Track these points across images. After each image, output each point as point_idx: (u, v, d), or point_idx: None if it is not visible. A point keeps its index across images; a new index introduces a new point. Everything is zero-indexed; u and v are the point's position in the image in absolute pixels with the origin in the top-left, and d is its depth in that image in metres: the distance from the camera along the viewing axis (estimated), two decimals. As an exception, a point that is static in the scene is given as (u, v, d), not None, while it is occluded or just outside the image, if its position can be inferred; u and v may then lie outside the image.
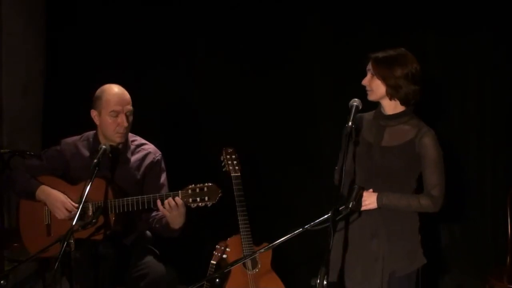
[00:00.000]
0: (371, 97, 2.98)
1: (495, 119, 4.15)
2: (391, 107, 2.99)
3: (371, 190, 2.89)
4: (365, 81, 2.98)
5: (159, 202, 3.10)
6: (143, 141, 3.43)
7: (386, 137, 2.98)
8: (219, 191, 3.07)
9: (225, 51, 4.49)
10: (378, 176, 2.93)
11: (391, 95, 2.95)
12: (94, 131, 3.37)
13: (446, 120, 4.25)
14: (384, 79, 2.93)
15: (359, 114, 3.06)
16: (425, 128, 2.96)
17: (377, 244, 2.93)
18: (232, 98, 4.49)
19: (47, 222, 3.28)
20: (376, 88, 2.95)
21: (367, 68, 3.00)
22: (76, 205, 3.12)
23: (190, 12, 4.53)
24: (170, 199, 3.08)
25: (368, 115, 3.10)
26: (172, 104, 4.58)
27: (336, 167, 3.11)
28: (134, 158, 3.35)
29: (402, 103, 2.98)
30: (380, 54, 2.97)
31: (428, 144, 2.93)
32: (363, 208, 2.87)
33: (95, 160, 3.04)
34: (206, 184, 3.07)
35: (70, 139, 3.40)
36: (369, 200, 2.87)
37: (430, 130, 2.97)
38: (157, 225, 3.29)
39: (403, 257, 2.95)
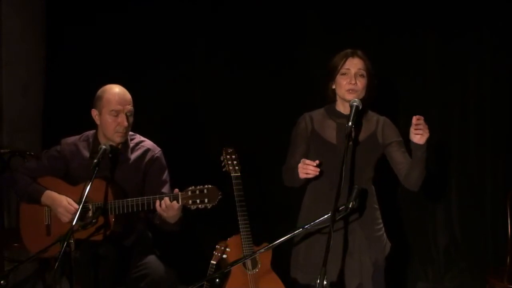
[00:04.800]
0: (353, 97, 2.92)
1: (495, 120, 4.15)
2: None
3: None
4: (355, 83, 2.92)
5: (157, 203, 3.09)
6: (142, 138, 3.42)
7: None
8: (219, 193, 3.06)
9: (225, 51, 4.49)
10: (347, 171, 2.93)
11: (369, 95, 2.96)
12: (94, 131, 3.37)
13: (446, 120, 4.25)
14: (371, 79, 2.94)
15: (308, 113, 3.09)
16: (381, 119, 3.03)
17: (352, 240, 2.96)
18: (232, 98, 4.49)
19: (47, 222, 3.28)
20: (362, 89, 2.95)
21: (349, 67, 2.94)
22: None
23: (190, 12, 4.53)
24: (167, 198, 3.07)
25: (317, 114, 3.10)
26: (172, 104, 4.58)
27: (284, 167, 3.09)
28: (133, 157, 3.34)
29: (367, 102, 2.99)
30: (359, 53, 2.97)
31: (391, 131, 3.00)
32: (421, 135, 2.75)
33: (95, 160, 3.04)
34: (206, 186, 3.06)
35: (70, 139, 3.40)
36: (427, 133, 2.75)
37: (385, 118, 3.04)
38: (157, 221, 3.29)
39: (379, 246, 3.01)
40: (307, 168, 2.83)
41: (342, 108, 3.02)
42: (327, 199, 2.87)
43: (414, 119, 2.74)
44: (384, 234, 3.07)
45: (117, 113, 3.22)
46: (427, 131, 2.75)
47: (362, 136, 3.00)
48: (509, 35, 4.04)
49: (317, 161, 2.85)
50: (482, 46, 4.14)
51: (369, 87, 2.97)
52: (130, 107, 3.26)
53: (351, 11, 4.26)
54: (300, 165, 2.86)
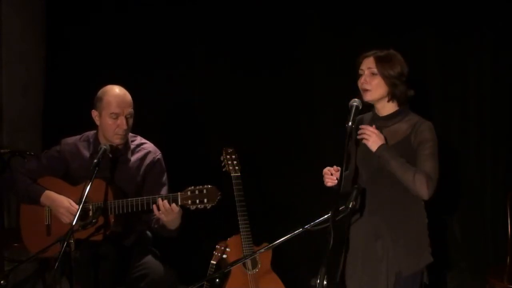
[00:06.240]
0: (369, 97, 2.94)
1: (495, 119, 4.15)
2: (386, 108, 2.99)
3: (375, 133, 2.88)
4: (365, 81, 2.94)
5: (155, 207, 3.09)
6: (143, 140, 3.43)
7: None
8: (219, 193, 3.06)
9: (225, 52, 4.49)
10: (381, 177, 2.93)
11: (391, 95, 2.95)
12: (95, 131, 3.37)
13: (446, 120, 4.25)
14: (386, 77, 2.92)
15: (360, 116, 3.08)
16: (420, 121, 2.97)
17: (381, 245, 2.92)
18: (232, 99, 4.49)
19: (47, 222, 3.28)
20: (376, 87, 2.93)
21: (363, 68, 2.97)
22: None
23: (191, 13, 4.53)
24: (166, 201, 3.07)
25: (367, 116, 3.10)
26: (172, 104, 4.58)
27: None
28: (134, 158, 3.35)
29: (399, 103, 2.98)
30: (379, 53, 2.97)
31: (424, 131, 2.92)
32: (364, 140, 2.88)
33: (95, 160, 3.04)
34: (205, 186, 3.06)
35: (70, 139, 3.40)
36: (374, 140, 2.87)
37: (425, 121, 2.97)
38: (155, 226, 3.29)
39: (408, 256, 2.93)
40: (325, 178, 2.94)
41: (377, 109, 3.02)
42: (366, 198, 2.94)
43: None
44: (426, 249, 2.97)
45: (116, 116, 3.22)
46: (367, 136, 2.87)
47: (397, 138, 2.94)
48: (509, 35, 4.04)
49: (335, 167, 2.91)
50: (482, 46, 4.13)
51: (389, 86, 2.93)
52: (129, 110, 3.26)
53: (351, 11, 4.25)
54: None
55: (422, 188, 2.83)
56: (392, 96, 2.95)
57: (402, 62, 2.97)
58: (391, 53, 2.97)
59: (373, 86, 2.93)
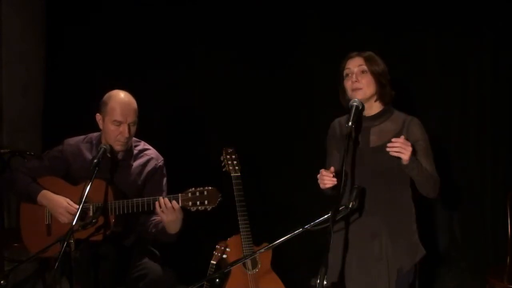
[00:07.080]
0: (361, 95, 2.94)
1: (495, 119, 4.15)
2: (372, 108, 3.00)
3: (410, 146, 2.78)
4: (356, 80, 2.94)
5: (157, 204, 3.09)
6: (146, 146, 3.43)
7: (372, 138, 2.98)
8: (219, 195, 3.05)
9: (225, 52, 4.49)
10: (376, 177, 2.93)
11: (380, 94, 2.96)
12: (99, 133, 3.36)
13: (446, 120, 4.25)
14: (375, 74, 2.95)
15: (337, 119, 3.11)
16: (408, 118, 2.99)
17: (379, 244, 2.93)
18: (232, 99, 4.49)
19: (47, 222, 3.28)
20: (367, 85, 2.95)
21: (350, 67, 2.97)
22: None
23: (191, 13, 4.53)
24: (167, 199, 3.07)
25: (343, 119, 3.10)
26: (172, 104, 4.58)
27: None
28: (136, 164, 3.34)
29: (384, 102, 3.00)
30: (363, 54, 3.00)
31: (416, 130, 2.95)
32: (400, 154, 2.76)
33: (95, 160, 3.04)
34: (206, 188, 3.06)
35: (73, 140, 3.40)
36: (409, 155, 2.76)
37: (413, 118, 2.99)
38: (153, 230, 3.28)
39: (407, 252, 2.96)
40: (324, 179, 2.88)
41: (364, 110, 3.01)
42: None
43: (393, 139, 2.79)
44: (419, 242, 3.01)
45: (119, 123, 3.21)
46: (403, 150, 2.76)
47: (388, 136, 2.92)
48: (509, 35, 4.04)
49: (332, 168, 2.87)
50: (482, 46, 4.13)
51: (378, 84, 2.95)
52: (133, 118, 3.25)
53: (351, 11, 4.26)
54: (318, 176, 2.90)
55: (436, 192, 2.98)
56: (380, 95, 2.97)
57: (383, 62, 3.02)
58: (372, 54, 3.02)
59: (364, 84, 2.95)
